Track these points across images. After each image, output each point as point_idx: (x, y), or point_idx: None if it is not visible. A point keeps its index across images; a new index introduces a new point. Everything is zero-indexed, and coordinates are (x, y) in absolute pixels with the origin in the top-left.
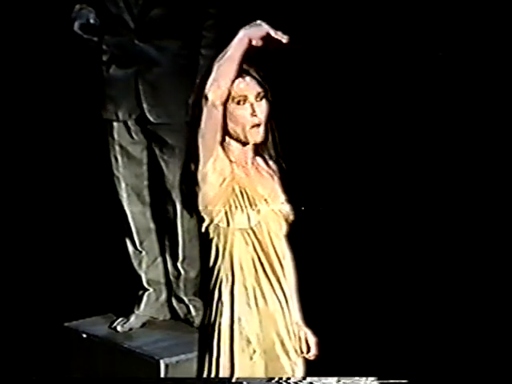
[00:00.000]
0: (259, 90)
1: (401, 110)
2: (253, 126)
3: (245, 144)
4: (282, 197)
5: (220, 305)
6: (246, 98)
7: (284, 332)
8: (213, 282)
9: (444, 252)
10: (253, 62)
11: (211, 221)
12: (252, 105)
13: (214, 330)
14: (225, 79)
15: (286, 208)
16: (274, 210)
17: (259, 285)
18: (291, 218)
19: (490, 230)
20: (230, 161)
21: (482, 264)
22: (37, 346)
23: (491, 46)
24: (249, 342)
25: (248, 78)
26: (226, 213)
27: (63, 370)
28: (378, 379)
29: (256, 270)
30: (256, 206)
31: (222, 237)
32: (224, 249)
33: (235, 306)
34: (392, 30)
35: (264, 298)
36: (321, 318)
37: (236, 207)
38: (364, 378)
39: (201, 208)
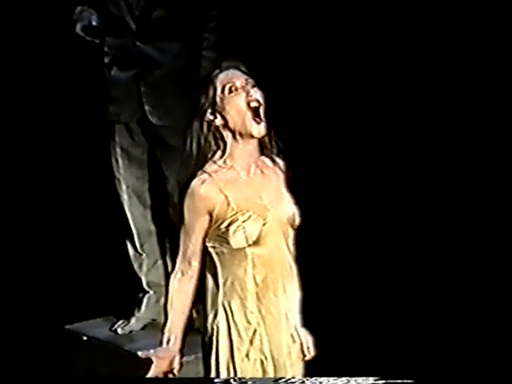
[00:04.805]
0: (246, 76)
1: (401, 110)
2: (252, 110)
3: (247, 141)
4: (287, 197)
5: (216, 329)
6: (235, 85)
7: (289, 339)
8: (210, 302)
9: (443, 253)
10: (240, 58)
11: (209, 242)
12: (244, 88)
13: (211, 350)
14: None
15: (291, 210)
16: (280, 219)
17: (262, 301)
18: (297, 221)
19: (490, 230)
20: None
21: (481, 266)
22: (38, 349)
23: (491, 46)
24: (261, 361)
25: (232, 69)
26: (222, 234)
27: (64, 373)
28: (378, 379)
29: (257, 285)
30: (256, 220)
31: (220, 256)
32: (222, 268)
33: (232, 333)
34: (392, 30)
35: (270, 312)
36: (320, 319)
37: (232, 228)
38: (363, 378)
39: None
